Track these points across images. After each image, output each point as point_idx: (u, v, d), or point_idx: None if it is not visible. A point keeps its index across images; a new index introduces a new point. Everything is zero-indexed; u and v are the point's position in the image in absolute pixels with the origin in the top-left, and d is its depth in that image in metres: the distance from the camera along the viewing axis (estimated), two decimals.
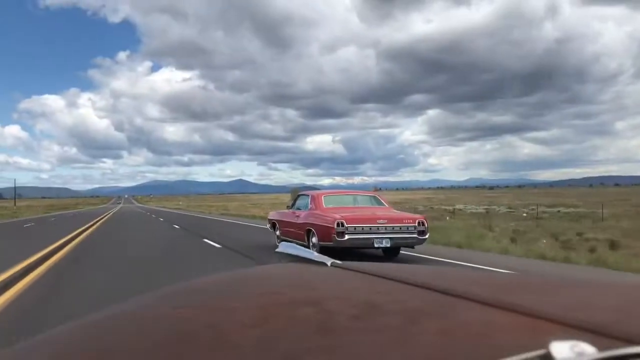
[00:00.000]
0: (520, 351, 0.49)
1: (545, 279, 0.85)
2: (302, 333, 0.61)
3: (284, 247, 1.18)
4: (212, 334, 0.62)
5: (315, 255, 1.06)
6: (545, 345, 0.49)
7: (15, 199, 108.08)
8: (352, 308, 0.66)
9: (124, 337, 0.68)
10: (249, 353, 0.57)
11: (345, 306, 0.67)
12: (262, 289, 0.83)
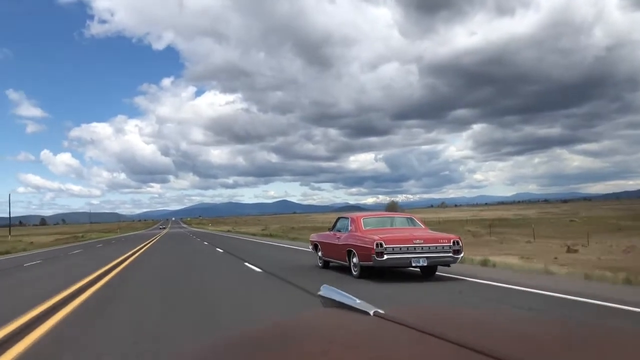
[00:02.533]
0: None
1: (610, 332, 0.77)
2: None
3: (327, 291, 1.15)
4: None
5: (357, 302, 1.03)
6: None
7: (10, 227, 74.89)
8: None
9: None
10: None
11: None
12: (310, 345, 0.82)
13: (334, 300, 1.09)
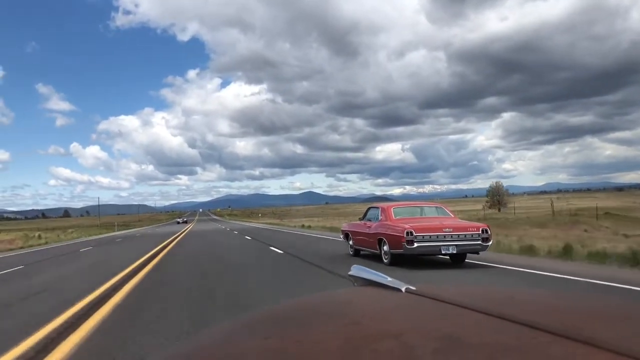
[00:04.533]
0: None
1: (630, 306, 0.82)
2: None
3: (357, 271, 1.16)
4: None
5: (389, 280, 1.05)
6: None
7: None
8: (432, 342, 0.66)
9: None
10: None
11: (425, 339, 0.68)
12: (341, 318, 0.84)
13: (364, 279, 1.11)
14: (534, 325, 0.68)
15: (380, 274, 1.12)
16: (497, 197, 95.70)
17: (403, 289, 0.97)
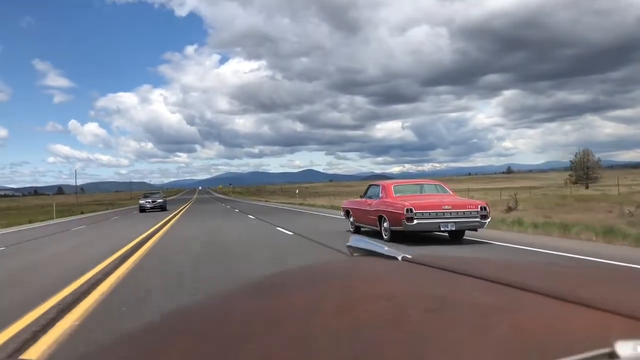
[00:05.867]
0: (587, 348, 0.50)
1: (616, 270, 0.88)
2: (378, 326, 0.63)
3: (355, 241, 1.19)
4: (295, 327, 0.67)
5: (386, 249, 1.07)
6: (611, 343, 0.50)
7: None
8: (425, 302, 0.68)
9: (211, 328, 0.73)
10: (328, 345, 0.60)
11: (418, 300, 0.70)
12: (337, 283, 0.86)
13: (362, 249, 1.13)
14: (527, 287, 0.71)
15: (378, 243, 1.13)
16: (584, 169, 79.33)
17: (399, 258, 0.99)
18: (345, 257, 1.15)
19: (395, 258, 1.01)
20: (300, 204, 41.58)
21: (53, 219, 34.13)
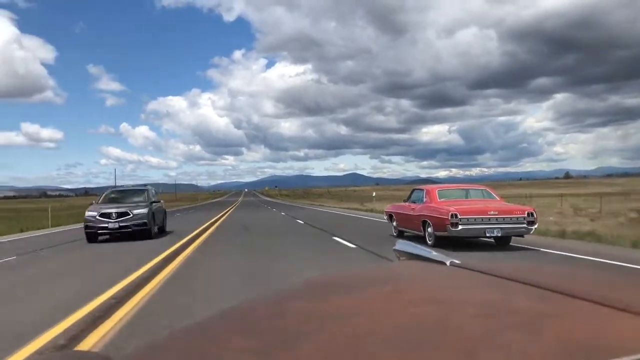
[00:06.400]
0: (631, 354, 0.51)
1: None
2: (426, 329, 0.63)
3: (402, 245, 1.18)
4: (346, 326, 0.68)
5: (433, 254, 1.05)
6: None
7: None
8: (472, 307, 0.68)
9: (267, 324, 0.75)
10: (378, 346, 0.61)
11: (466, 305, 0.70)
12: (386, 286, 0.86)
13: (409, 253, 1.12)
14: (576, 295, 0.70)
15: (425, 248, 1.11)
16: None
17: (447, 263, 0.99)
18: (392, 262, 1.15)
19: (443, 263, 1.00)
20: (370, 211, 30.67)
21: (48, 227, 24.43)
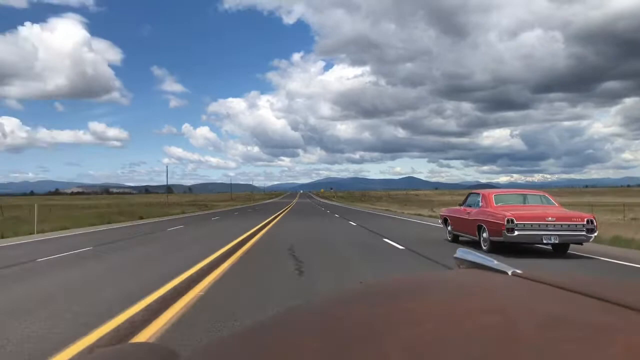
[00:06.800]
0: None
1: None
2: (488, 339, 0.62)
3: (463, 254, 1.16)
4: (408, 332, 0.68)
5: (495, 263, 1.04)
6: None
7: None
8: (537, 318, 0.66)
9: (331, 327, 0.75)
10: (439, 352, 0.61)
11: (529, 316, 0.68)
12: (446, 293, 0.85)
13: (470, 262, 1.10)
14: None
15: (487, 257, 1.08)
16: None
17: (509, 272, 0.96)
18: (452, 270, 1.12)
19: (505, 272, 0.97)
20: None
21: (34, 233, 19.77)
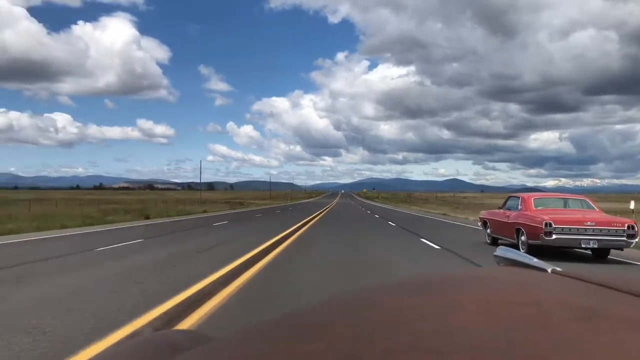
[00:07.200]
0: None
1: None
2: (522, 328, 0.63)
3: (503, 251, 1.15)
4: (440, 321, 0.68)
5: (535, 261, 1.01)
6: None
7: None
8: (573, 312, 0.65)
9: (365, 315, 0.76)
10: (472, 339, 0.62)
11: (565, 310, 0.67)
12: (483, 287, 0.84)
13: (509, 259, 1.08)
14: None
15: (526, 255, 1.04)
16: None
17: (549, 270, 0.94)
18: (492, 266, 1.05)
19: (544, 270, 0.94)
20: None
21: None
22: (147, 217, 28.21)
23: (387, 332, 0.67)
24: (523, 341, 0.61)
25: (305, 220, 25.42)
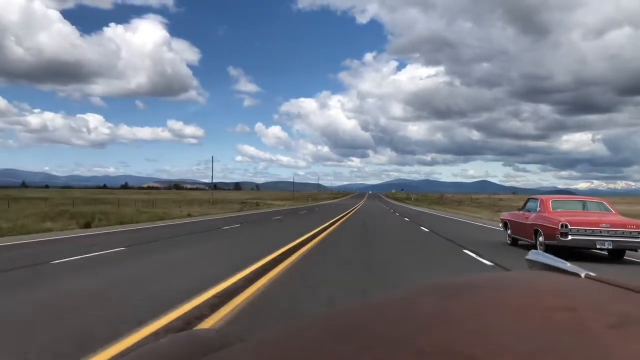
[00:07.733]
0: None
1: None
2: (556, 332, 0.62)
3: (535, 255, 1.11)
4: (475, 323, 0.68)
5: (568, 265, 0.99)
6: None
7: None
8: (608, 317, 0.65)
9: (400, 316, 0.76)
10: (506, 341, 0.61)
11: (600, 315, 0.67)
12: (516, 291, 0.85)
13: (542, 264, 1.06)
14: None
15: (559, 259, 1.04)
16: None
17: (582, 275, 0.92)
18: (524, 270, 1.08)
19: (578, 275, 0.94)
20: None
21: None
22: (87, 226, 21.09)
23: (421, 334, 0.68)
24: (559, 347, 0.62)
25: (308, 235, 16.38)
